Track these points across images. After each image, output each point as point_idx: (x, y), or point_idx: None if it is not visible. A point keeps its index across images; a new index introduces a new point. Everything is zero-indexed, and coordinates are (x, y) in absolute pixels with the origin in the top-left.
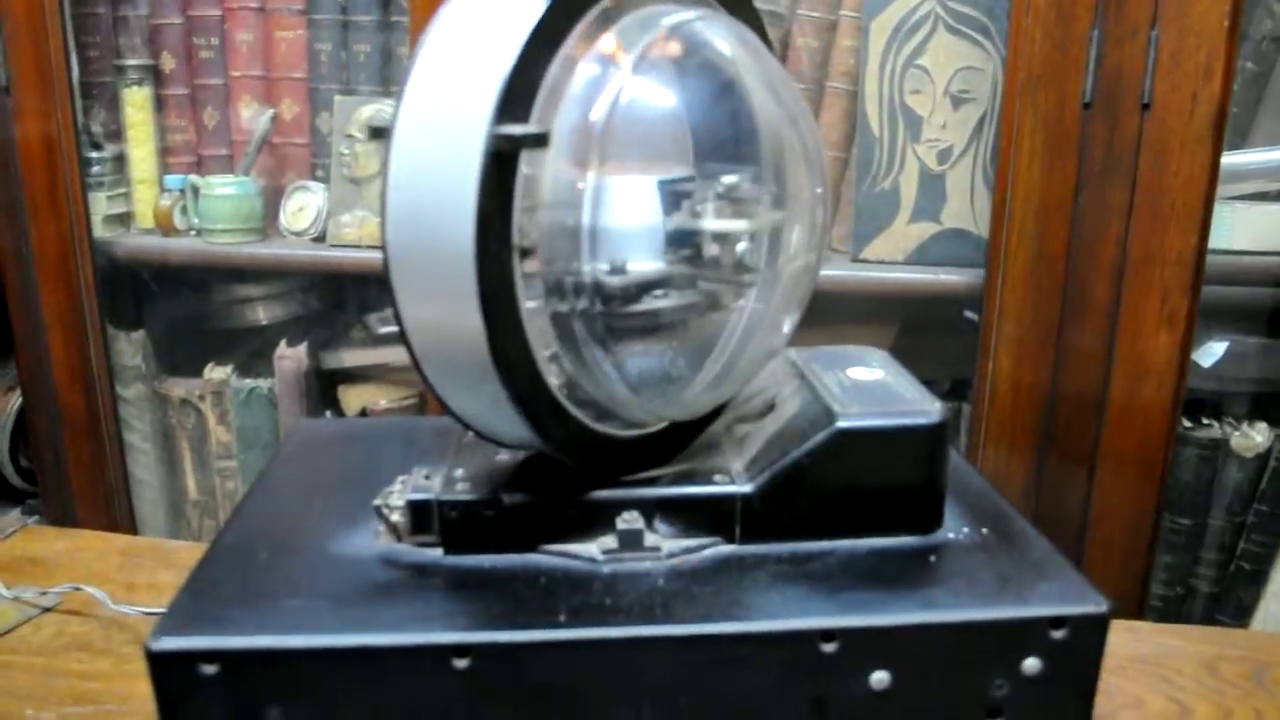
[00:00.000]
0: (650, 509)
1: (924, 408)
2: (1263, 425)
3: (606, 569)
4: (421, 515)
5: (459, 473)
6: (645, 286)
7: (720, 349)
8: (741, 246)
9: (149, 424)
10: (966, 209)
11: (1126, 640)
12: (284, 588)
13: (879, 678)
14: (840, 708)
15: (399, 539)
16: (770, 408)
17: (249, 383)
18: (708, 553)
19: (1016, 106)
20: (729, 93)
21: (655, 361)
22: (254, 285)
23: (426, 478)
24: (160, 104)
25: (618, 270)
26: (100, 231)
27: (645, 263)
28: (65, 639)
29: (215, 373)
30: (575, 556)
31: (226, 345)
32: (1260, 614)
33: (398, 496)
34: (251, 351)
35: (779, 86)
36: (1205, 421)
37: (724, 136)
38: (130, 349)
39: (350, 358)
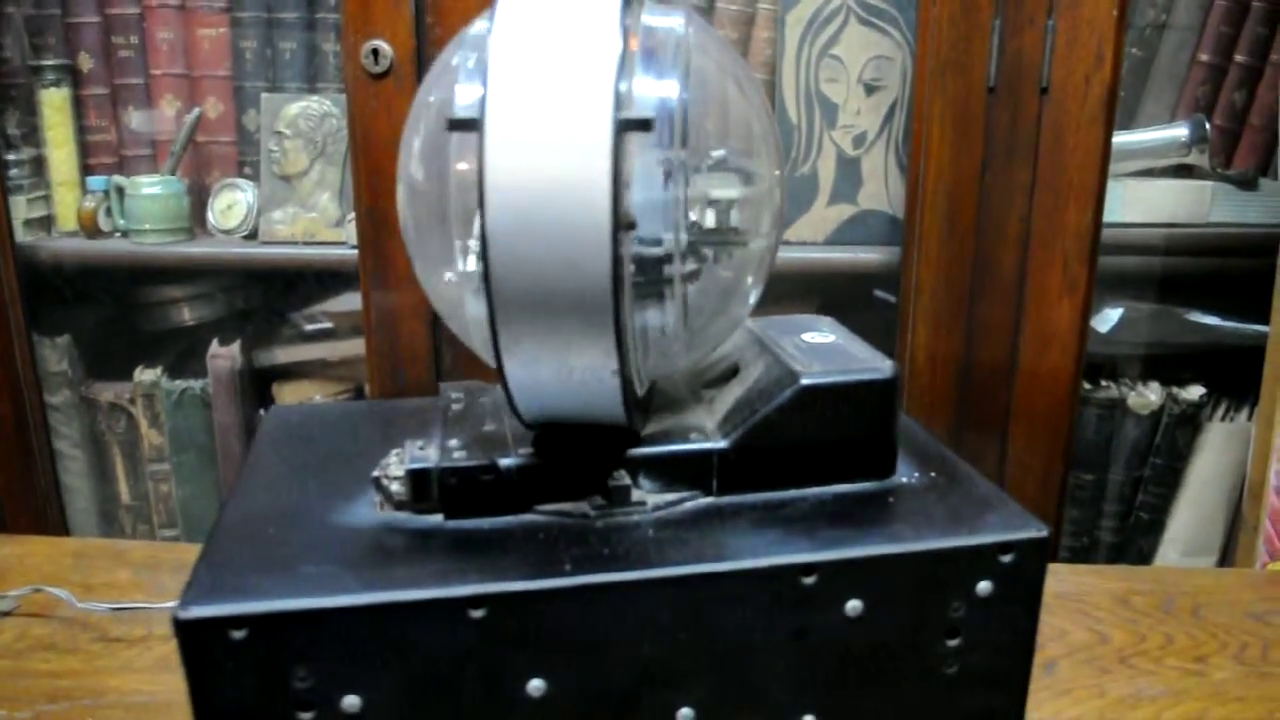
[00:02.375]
0: (635, 467)
1: (877, 364)
2: (1155, 385)
3: (599, 523)
4: (421, 483)
5: (453, 443)
6: (687, 252)
7: (714, 308)
8: (735, 212)
9: (77, 430)
10: (881, 191)
11: (1048, 580)
12: (297, 556)
13: (853, 606)
14: (820, 634)
15: (397, 508)
16: (735, 372)
17: (180, 384)
18: (689, 505)
19: (926, 92)
20: (717, 84)
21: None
22: (181, 286)
23: (422, 449)
24: (79, 104)
25: (673, 238)
26: (20, 236)
27: (680, 232)
28: (29, 641)
29: (145, 375)
30: (569, 514)
31: (155, 347)
32: (1159, 561)
33: (396, 467)
34: (181, 352)
35: (743, 79)
36: (1104, 383)
37: (715, 121)
38: (55, 355)
39: (284, 355)
